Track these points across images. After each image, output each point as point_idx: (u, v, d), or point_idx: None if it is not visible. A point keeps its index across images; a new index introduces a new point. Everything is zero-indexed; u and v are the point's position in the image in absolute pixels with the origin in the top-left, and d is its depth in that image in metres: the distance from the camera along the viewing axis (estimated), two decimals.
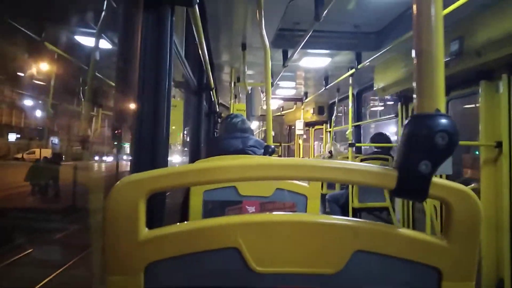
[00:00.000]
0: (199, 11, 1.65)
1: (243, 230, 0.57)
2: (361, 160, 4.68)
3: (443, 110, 0.55)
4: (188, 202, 1.58)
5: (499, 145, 2.73)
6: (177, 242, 0.57)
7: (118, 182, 0.56)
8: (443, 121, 0.54)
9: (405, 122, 0.57)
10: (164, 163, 1.22)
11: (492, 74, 2.77)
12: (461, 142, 3.57)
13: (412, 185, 0.55)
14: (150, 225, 0.58)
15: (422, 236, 0.58)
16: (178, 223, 0.59)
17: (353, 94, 4.85)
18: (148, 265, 0.56)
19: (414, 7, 0.57)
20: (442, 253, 0.56)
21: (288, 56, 3.80)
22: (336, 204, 4.96)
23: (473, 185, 3.24)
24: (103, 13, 1.91)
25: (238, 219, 0.59)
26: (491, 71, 2.75)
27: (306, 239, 0.57)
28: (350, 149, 4.54)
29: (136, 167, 1.15)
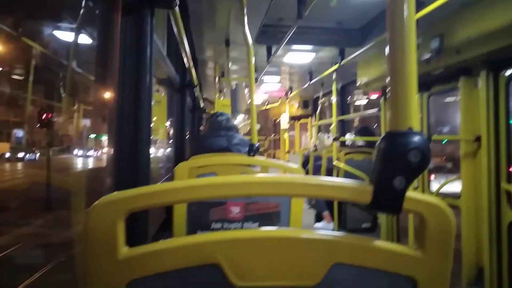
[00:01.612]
0: (181, 9, 1.63)
1: (223, 246, 0.58)
2: (345, 154, 4.73)
3: (416, 127, 0.57)
4: None
5: (478, 139, 2.80)
6: (157, 260, 0.57)
7: (96, 202, 0.56)
8: (416, 139, 0.56)
9: (380, 138, 0.59)
10: (146, 165, 1.21)
11: (471, 71, 2.83)
12: (442, 137, 3.66)
13: (387, 200, 0.57)
14: (131, 242, 0.58)
15: (397, 247, 0.60)
16: (158, 241, 0.59)
17: (337, 89, 4.89)
18: (128, 284, 0.56)
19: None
20: (417, 263, 0.58)
21: (272, 52, 3.80)
22: None
23: (454, 177, 3.32)
24: (82, 10, 1.87)
25: (218, 235, 0.60)
26: (470, 67, 2.81)
27: (286, 253, 0.59)
28: (334, 143, 4.58)
29: (117, 166, 1.14)
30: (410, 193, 0.57)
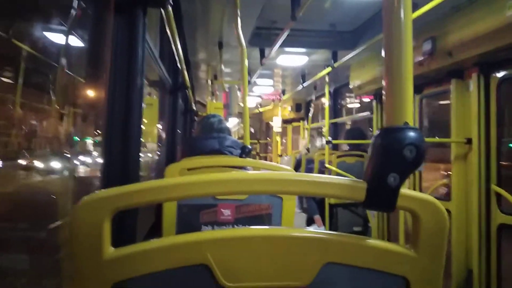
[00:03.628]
0: (174, 10, 1.61)
1: (212, 246, 0.56)
2: (338, 157, 4.73)
3: (411, 122, 0.57)
4: (162, 205, 1.55)
5: (469, 141, 2.82)
6: (144, 260, 0.55)
7: (80, 200, 0.54)
8: (412, 134, 0.55)
9: (375, 134, 0.58)
10: (135, 168, 1.19)
11: (462, 73, 2.86)
12: (432, 139, 3.69)
13: (380, 197, 0.57)
14: (119, 242, 0.56)
15: (390, 246, 0.59)
16: (145, 241, 0.57)
17: (329, 92, 4.90)
18: (114, 285, 0.54)
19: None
20: (410, 262, 0.58)
21: (265, 54, 3.80)
22: (313, 199, 5.01)
23: (444, 180, 3.34)
24: (73, 12, 1.84)
25: (207, 235, 0.59)
26: (461, 70, 2.84)
27: (276, 253, 0.57)
28: (327, 146, 4.59)
29: (106, 166, 1.12)
30: (404, 190, 0.56)
